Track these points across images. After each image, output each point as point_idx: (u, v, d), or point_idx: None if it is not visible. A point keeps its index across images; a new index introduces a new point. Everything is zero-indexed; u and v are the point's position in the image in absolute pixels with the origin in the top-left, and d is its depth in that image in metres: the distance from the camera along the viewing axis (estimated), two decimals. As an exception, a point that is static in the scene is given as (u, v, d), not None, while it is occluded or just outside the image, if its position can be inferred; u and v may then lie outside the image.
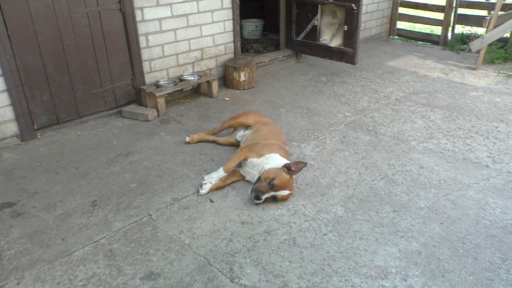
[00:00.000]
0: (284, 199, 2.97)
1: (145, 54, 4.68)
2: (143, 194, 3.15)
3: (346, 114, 4.59)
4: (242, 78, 5.35)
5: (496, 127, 4.16)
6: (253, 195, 2.89)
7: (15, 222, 2.87)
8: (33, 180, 3.38)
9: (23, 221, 2.87)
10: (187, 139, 3.89)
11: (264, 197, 2.88)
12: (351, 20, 5.40)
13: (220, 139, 3.89)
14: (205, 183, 3.14)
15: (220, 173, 3.17)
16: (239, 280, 2.30)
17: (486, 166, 3.45)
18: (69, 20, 4.01)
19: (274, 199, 2.94)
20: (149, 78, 4.80)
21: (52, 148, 3.90)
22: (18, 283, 2.34)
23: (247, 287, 2.25)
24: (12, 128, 3.93)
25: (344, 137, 4.03)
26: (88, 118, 4.43)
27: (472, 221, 2.76)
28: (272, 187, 2.87)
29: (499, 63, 6.22)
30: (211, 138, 3.92)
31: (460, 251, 2.49)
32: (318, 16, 5.77)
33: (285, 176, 2.92)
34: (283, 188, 2.91)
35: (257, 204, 2.93)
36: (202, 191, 3.09)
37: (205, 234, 2.68)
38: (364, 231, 2.68)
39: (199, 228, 2.74)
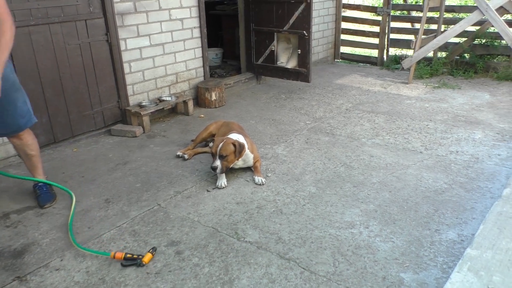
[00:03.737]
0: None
1: (128, 79, 5.29)
2: (148, 191, 3.72)
3: (307, 122, 5.43)
4: (214, 97, 6.08)
5: (427, 125, 5.16)
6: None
7: (41, 219, 3.34)
8: (45, 188, 3.83)
9: (48, 218, 3.35)
10: (186, 156, 4.33)
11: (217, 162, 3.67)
12: (303, 44, 6.35)
13: (207, 149, 4.52)
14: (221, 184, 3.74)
15: (222, 178, 3.79)
16: (244, 239, 2.95)
17: (420, 152, 4.37)
18: (64, 51, 4.58)
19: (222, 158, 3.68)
20: (132, 100, 5.39)
21: (54, 163, 4.36)
22: (62, 260, 2.84)
23: (251, 243, 2.90)
24: (15, 147, 4.35)
25: (308, 139, 4.83)
26: (81, 137, 4.92)
27: (412, 188, 3.61)
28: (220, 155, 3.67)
29: (426, 77, 7.43)
30: (202, 150, 4.52)
31: (405, 207, 3.31)
32: (275, 42, 6.69)
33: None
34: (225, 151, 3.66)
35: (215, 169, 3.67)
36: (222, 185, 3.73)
37: (209, 213, 3.31)
38: (333, 201, 3.44)
39: (203, 210, 3.37)
